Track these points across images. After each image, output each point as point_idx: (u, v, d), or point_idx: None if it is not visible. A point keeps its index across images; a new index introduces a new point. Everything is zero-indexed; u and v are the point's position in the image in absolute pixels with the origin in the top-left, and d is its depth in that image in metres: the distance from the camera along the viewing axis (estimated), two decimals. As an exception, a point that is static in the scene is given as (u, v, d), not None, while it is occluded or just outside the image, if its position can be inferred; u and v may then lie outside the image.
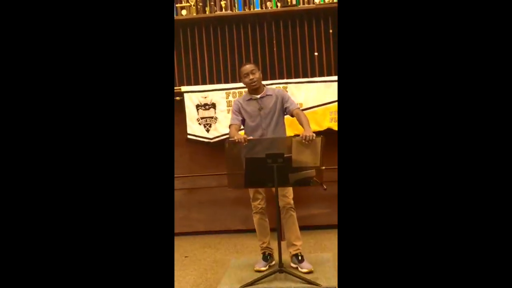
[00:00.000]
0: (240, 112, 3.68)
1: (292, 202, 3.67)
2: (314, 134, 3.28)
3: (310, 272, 3.57)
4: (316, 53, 4.82)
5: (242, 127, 3.77)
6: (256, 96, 3.66)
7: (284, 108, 3.61)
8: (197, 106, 4.81)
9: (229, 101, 4.71)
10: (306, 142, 3.22)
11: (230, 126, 3.70)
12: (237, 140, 3.35)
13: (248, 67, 3.64)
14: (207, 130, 4.82)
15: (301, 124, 3.48)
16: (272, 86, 4.32)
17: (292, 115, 3.60)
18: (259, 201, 3.72)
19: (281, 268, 3.43)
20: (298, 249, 3.69)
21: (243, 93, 4.07)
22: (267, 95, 3.65)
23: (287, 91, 4.46)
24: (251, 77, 3.61)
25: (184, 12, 4.85)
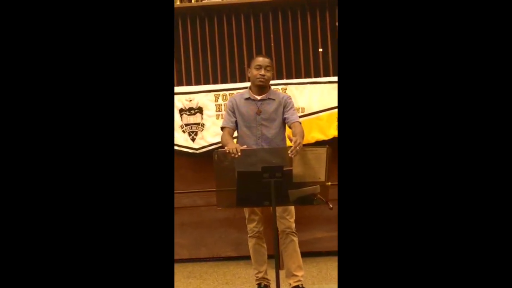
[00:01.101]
0: (234, 113, 3.51)
1: (293, 225, 3.49)
2: (301, 146, 3.08)
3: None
4: (320, 49, 4.66)
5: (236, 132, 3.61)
6: (256, 97, 3.47)
7: (283, 118, 3.47)
8: (181, 111, 4.54)
9: (219, 104, 4.49)
10: (291, 154, 3.02)
11: (222, 129, 3.50)
12: (227, 151, 3.07)
13: (265, 60, 3.50)
14: (193, 139, 4.54)
15: (293, 135, 3.33)
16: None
17: (289, 127, 3.47)
18: (255, 223, 3.53)
19: (280, 303, 3.12)
20: (300, 280, 3.51)
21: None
22: (269, 98, 3.49)
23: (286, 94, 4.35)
24: (263, 72, 3.44)
25: (166, 0, 4.52)
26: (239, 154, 3.06)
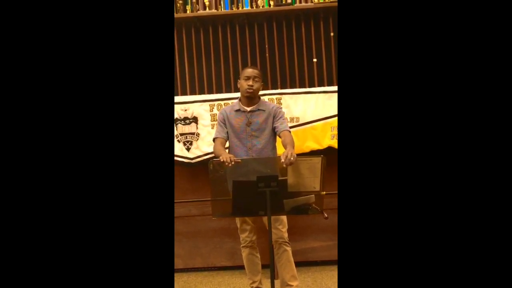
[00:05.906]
0: (225, 124, 3.51)
1: (285, 235, 3.47)
2: (295, 156, 3.05)
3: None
4: (315, 60, 4.68)
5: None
6: (246, 108, 3.47)
7: (273, 127, 3.47)
8: (176, 121, 4.51)
9: (213, 114, 4.46)
10: (285, 165, 3.01)
11: (214, 140, 3.51)
12: (222, 160, 3.08)
13: (253, 71, 3.49)
14: (188, 149, 4.51)
15: (284, 144, 3.33)
16: (264, 97, 4.15)
17: (279, 136, 3.46)
18: (247, 233, 3.53)
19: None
20: (294, 290, 3.53)
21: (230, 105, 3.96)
22: (259, 109, 3.47)
23: (281, 104, 4.34)
24: (251, 83, 3.42)
25: (161, 11, 4.49)
26: (233, 163, 3.05)
